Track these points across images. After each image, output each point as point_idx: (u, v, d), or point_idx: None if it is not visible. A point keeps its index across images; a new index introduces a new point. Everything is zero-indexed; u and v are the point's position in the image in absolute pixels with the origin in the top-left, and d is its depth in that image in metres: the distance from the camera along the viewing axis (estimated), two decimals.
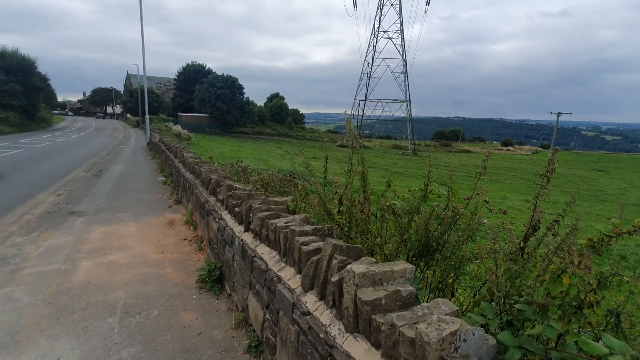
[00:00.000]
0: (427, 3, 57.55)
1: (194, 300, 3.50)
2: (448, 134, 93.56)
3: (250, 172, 6.15)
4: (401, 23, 57.52)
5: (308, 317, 1.98)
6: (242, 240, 3.11)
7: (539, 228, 1.87)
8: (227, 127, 47.51)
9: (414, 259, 2.49)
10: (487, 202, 2.60)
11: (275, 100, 63.37)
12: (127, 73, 76.25)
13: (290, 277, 2.31)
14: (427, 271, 2.50)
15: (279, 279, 2.37)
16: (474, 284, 2.46)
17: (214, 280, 3.65)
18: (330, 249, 2.00)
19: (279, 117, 60.72)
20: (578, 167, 49.57)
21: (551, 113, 44.71)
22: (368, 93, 59.50)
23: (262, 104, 62.61)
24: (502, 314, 1.65)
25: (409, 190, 2.38)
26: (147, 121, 21.45)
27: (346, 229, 2.35)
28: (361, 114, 59.62)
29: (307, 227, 2.49)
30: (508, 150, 75.67)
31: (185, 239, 5.24)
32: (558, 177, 36.47)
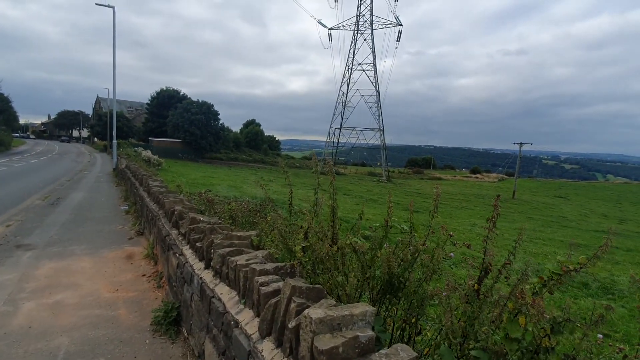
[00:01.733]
0: (398, 39, 61.12)
1: (147, 345, 3.21)
2: (420, 161, 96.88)
3: (218, 202, 5.97)
4: (374, 57, 60.47)
5: None
6: (201, 278, 2.92)
7: (490, 271, 1.87)
8: (200, 152, 46.79)
9: (379, 295, 2.42)
10: (452, 235, 2.62)
11: (251, 127, 63.56)
12: (97, 96, 74.46)
13: (248, 321, 2.17)
14: (392, 308, 2.43)
15: (237, 323, 2.21)
16: (436, 324, 2.41)
17: (171, 322, 3.39)
18: (289, 291, 1.90)
19: (254, 144, 60.70)
20: (541, 194, 52.31)
21: (514, 143, 47.37)
22: (343, 121, 61.07)
23: (238, 130, 62.55)
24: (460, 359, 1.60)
25: (370, 227, 2.35)
26: (114, 146, 20.72)
27: (308, 266, 2.26)
28: (337, 141, 60.78)
29: (269, 266, 2.38)
30: (476, 177, 79.01)
31: (144, 275, 4.91)
32: (524, 203, 38.25)
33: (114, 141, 20.93)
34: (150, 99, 52.46)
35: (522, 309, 1.63)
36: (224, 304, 2.45)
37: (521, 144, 46.57)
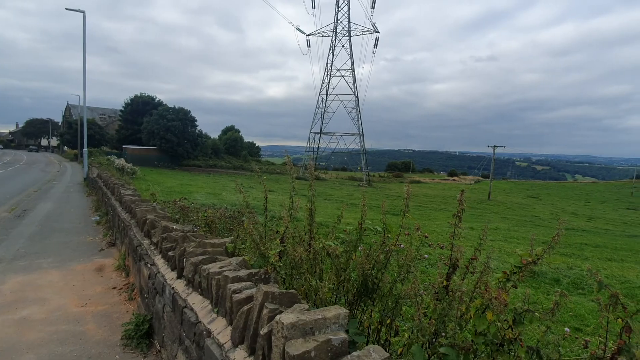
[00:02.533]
0: (375, 46, 62.23)
1: None
2: (399, 165, 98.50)
3: (194, 209, 5.82)
4: (352, 62, 61.28)
5: None
6: (173, 288, 2.83)
7: (458, 267, 1.91)
8: (177, 160, 45.71)
9: (355, 298, 2.42)
10: (427, 237, 2.66)
11: (230, 133, 62.79)
12: (68, 103, 71.69)
13: (220, 329, 2.11)
14: (367, 310, 2.44)
15: (209, 333, 2.15)
16: (412, 324, 2.43)
17: (142, 335, 3.25)
18: (262, 297, 1.87)
19: (234, 150, 59.94)
20: (515, 194, 54.22)
21: (488, 146, 48.96)
22: (323, 126, 61.37)
23: (217, 137, 61.61)
24: (432, 358, 1.62)
25: (345, 230, 2.35)
26: (85, 154, 19.93)
27: (282, 271, 2.23)
28: (317, 146, 60.97)
29: (243, 272, 2.34)
30: (454, 180, 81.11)
31: (114, 288, 4.71)
32: (498, 204, 39.52)
33: (85, 149, 20.14)
34: (124, 105, 50.90)
35: (488, 304, 1.66)
36: (196, 313, 2.38)
37: (495, 146, 48.21)
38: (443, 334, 1.63)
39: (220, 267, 2.48)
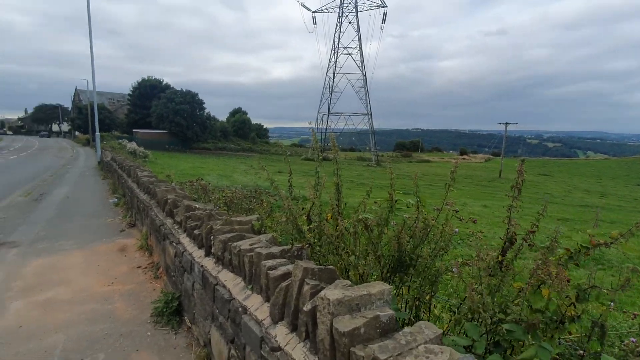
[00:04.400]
0: (383, 21, 60.32)
1: (148, 337, 3.10)
2: (408, 145, 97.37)
3: (211, 190, 5.80)
4: (359, 39, 59.67)
5: (278, 352, 1.75)
6: (202, 266, 2.80)
7: (516, 241, 1.80)
8: (187, 143, 45.86)
9: (388, 274, 2.35)
10: (457, 211, 2.55)
11: (238, 115, 62.48)
12: (76, 89, 71.76)
13: (257, 306, 2.07)
14: (402, 287, 2.37)
15: (245, 309, 2.11)
16: (448, 299, 2.35)
17: (172, 312, 3.27)
18: (301, 274, 1.80)
19: (242, 132, 59.80)
20: (526, 172, 53.37)
21: (499, 123, 47.83)
22: (331, 107, 60.60)
23: (225, 119, 61.40)
24: (488, 334, 1.54)
25: (375, 202, 2.25)
26: (98, 139, 20.05)
27: (317, 247, 2.16)
28: (325, 127, 60.41)
29: (275, 249, 2.28)
30: (464, 158, 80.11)
31: (139, 267, 4.75)
32: (510, 182, 38.92)
33: (97, 134, 20.25)
34: (131, 89, 50.80)
35: (546, 281, 1.57)
36: (229, 290, 2.34)
37: (507, 123, 47.11)
38: (497, 311, 1.55)
39: (251, 244, 2.42)
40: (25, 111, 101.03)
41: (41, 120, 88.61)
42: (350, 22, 59.68)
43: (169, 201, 4.26)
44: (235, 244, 2.47)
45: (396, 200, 2.19)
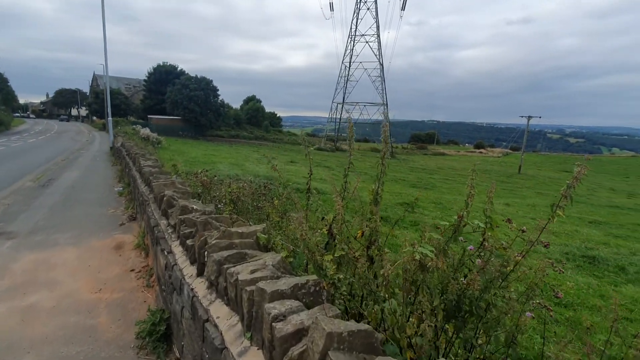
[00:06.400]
0: (403, 8, 58.20)
1: None
2: (423, 137, 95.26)
3: (216, 183, 5.21)
4: (377, 27, 57.85)
5: None
6: (192, 289, 2.22)
7: None
8: (201, 130, 45.67)
9: (441, 324, 1.71)
10: (524, 231, 1.89)
11: (252, 103, 61.90)
12: (94, 73, 72.39)
13: None
14: (456, 340, 1.73)
15: None
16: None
17: (159, 337, 2.73)
18: (323, 342, 1.18)
19: (255, 120, 59.28)
20: (546, 168, 51.29)
21: (522, 117, 45.75)
22: (346, 96, 59.35)
23: (238, 107, 60.96)
24: None
25: (438, 227, 1.61)
26: (110, 123, 19.83)
27: (343, 289, 1.54)
28: (339, 117, 59.36)
29: (284, 283, 1.66)
30: (481, 152, 77.91)
31: (132, 270, 4.24)
32: (530, 178, 37.38)
33: (109, 118, 20.02)
34: (147, 75, 50.68)
35: None
36: (221, 334, 1.75)
37: (529, 117, 45.08)
38: None
39: (253, 271, 1.81)
40: (47, 95, 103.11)
41: (61, 104, 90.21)
42: (368, 9, 57.76)
43: (165, 198, 3.70)
44: (232, 269, 1.86)
45: (464, 225, 1.54)
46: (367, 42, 58.65)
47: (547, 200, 21.33)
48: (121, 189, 9.18)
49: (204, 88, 44.25)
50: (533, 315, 1.81)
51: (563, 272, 1.79)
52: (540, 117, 49.82)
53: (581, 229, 11.63)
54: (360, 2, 57.78)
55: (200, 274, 2.33)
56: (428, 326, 1.18)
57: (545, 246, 2.04)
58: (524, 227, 1.87)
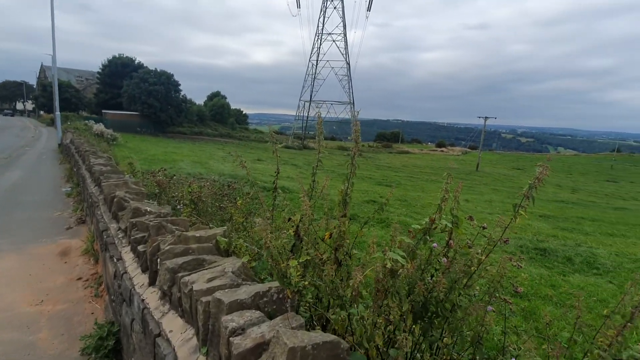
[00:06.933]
0: (369, 8, 59.10)
1: None
2: (388, 135, 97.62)
3: (173, 184, 4.92)
4: (344, 26, 58.36)
5: None
6: (143, 300, 2.03)
7: None
8: (161, 126, 43.59)
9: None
10: (484, 228, 1.90)
11: (217, 100, 60.04)
12: (42, 65, 66.77)
13: None
14: (424, 343, 1.70)
15: None
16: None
17: (107, 353, 2.48)
18: (285, 358, 1.08)
19: (220, 117, 57.56)
20: (501, 166, 54.54)
21: (479, 117, 48.26)
22: (313, 94, 59.39)
23: (202, 103, 58.87)
24: None
25: (410, 230, 1.55)
26: (58, 118, 18.32)
27: (309, 297, 1.44)
28: (306, 114, 59.28)
29: (244, 291, 1.53)
30: (442, 151, 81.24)
31: (79, 278, 3.87)
32: (487, 175, 39.52)
33: (57, 113, 18.47)
34: (101, 67, 47.51)
35: None
36: (174, 349, 1.59)
37: (486, 118, 47.65)
38: None
39: (210, 280, 1.67)
40: None
41: (5, 97, 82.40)
42: (335, 8, 58.07)
43: (115, 199, 3.40)
44: (187, 278, 1.70)
45: (435, 227, 1.49)
46: (334, 40, 59.01)
47: (501, 196, 22.59)
48: (69, 189, 8.47)
49: (164, 82, 42.28)
50: (494, 309, 1.84)
51: (522, 267, 1.82)
52: (495, 118, 52.82)
53: (532, 223, 12.42)
54: (327, 0, 57.94)
55: (152, 283, 2.13)
56: (405, 339, 1.11)
57: (505, 242, 2.07)
58: (485, 224, 1.89)
